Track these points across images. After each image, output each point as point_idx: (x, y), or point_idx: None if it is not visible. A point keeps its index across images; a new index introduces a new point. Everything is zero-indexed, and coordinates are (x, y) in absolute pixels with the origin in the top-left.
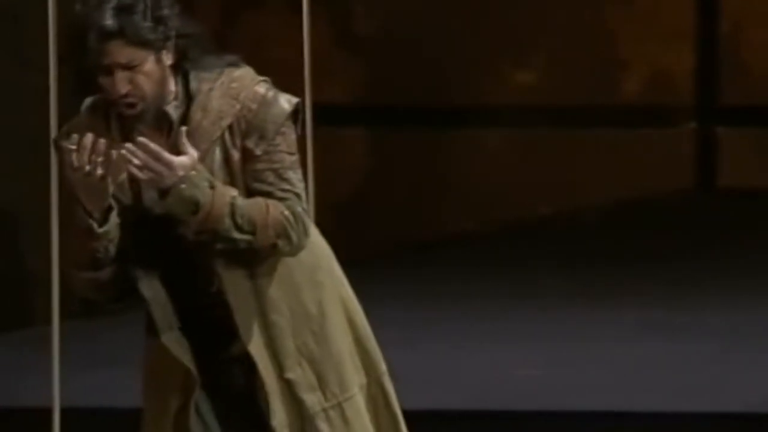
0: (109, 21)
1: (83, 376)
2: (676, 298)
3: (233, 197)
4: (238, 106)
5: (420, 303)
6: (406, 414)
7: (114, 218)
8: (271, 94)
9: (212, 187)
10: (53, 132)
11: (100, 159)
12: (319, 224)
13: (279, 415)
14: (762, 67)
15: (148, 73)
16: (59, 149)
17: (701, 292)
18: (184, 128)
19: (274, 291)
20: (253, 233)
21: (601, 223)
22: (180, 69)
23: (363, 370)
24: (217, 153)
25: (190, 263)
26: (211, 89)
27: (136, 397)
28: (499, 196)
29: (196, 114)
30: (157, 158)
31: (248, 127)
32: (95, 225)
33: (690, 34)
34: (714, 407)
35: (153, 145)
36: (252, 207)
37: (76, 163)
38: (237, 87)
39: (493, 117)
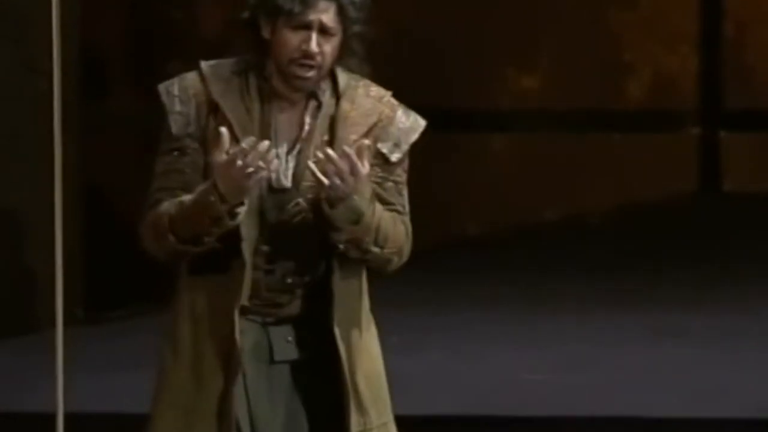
0: None
1: (87, 382)
2: (683, 302)
3: (381, 209)
4: (381, 108)
5: (426, 307)
6: (411, 420)
7: (243, 212)
8: (404, 108)
9: (371, 199)
10: (57, 136)
11: (262, 163)
12: None
13: (355, 417)
14: (766, 71)
15: (333, 46)
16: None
17: (708, 297)
18: (366, 142)
19: (359, 303)
20: (382, 247)
21: (605, 227)
22: (335, 62)
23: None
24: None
25: (291, 252)
26: (356, 87)
27: (140, 403)
28: (504, 200)
29: (344, 104)
30: (353, 171)
31: (385, 132)
32: (227, 217)
33: (694, 38)
34: (724, 412)
35: (354, 158)
36: (388, 220)
37: (241, 162)
38: (377, 92)
39: (498, 121)
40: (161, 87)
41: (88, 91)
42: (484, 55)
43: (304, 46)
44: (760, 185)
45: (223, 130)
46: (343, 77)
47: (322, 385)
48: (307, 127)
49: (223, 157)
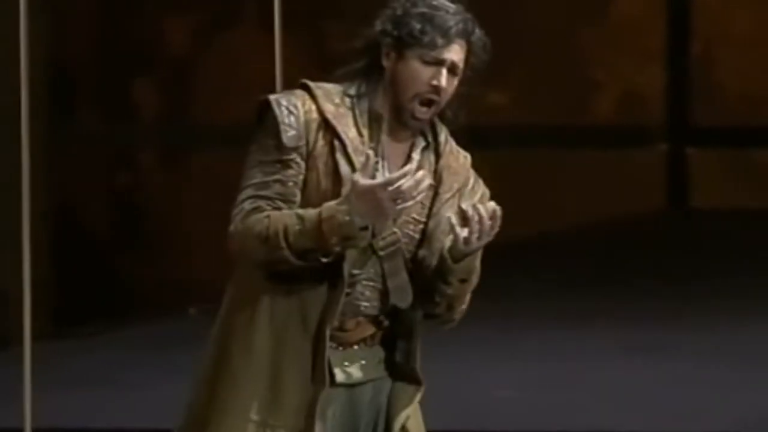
0: (470, 24)
1: (55, 397)
2: (652, 318)
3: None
4: (467, 164)
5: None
6: None
7: (369, 237)
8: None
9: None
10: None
11: (415, 192)
12: None
13: None
14: (732, 87)
15: (453, 86)
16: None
17: (677, 313)
18: (492, 204)
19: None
20: (460, 309)
21: (573, 243)
22: None
23: None
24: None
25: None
26: (448, 138)
27: (108, 418)
28: None
29: (446, 152)
30: (492, 231)
31: (462, 196)
32: (359, 238)
33: (661, 55)
34: (695, 428)
35: (498, 219)
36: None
37: (393, 189)
38: (459, 149)
39: (467, 137)
40: (272, 98)
41: (55, 109)
42: None
43: (434, 82)
44: (728, 201)
45: (370, 152)
46: (440, 126)
47: (374, 408)
48: (415, 163)
49: (368, 180)
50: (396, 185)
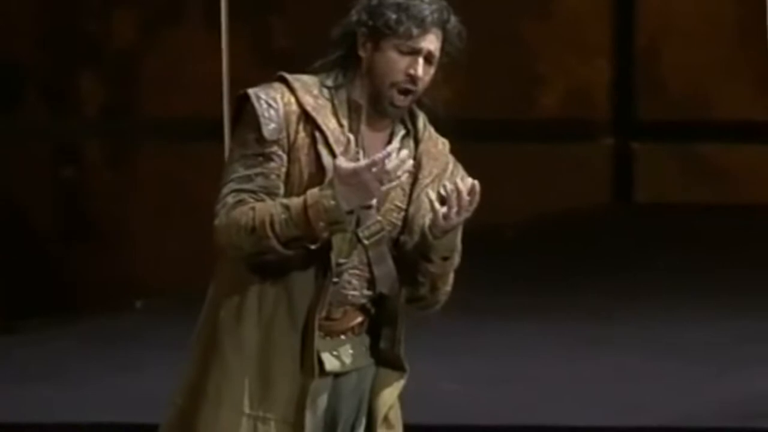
0: (445, 12)
1: (1, 392)
2: (599, 312)
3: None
4: (445, 151)
5: None
6: None
7: (354, 221)
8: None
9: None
10: None
11: (399, 172)
12: None
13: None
14: (677, 82)
15: (430, 74)
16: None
17: (624, 307)
18: (471, 180)
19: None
20: (444, 290)
21: (519, 237)
22: None
23: None
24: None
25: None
26: (426, 124)
27: (56, 412)
28: None
29: (425, 138)
30: (471, 207)
31: (441, 182)
32: (346, 222)
33: (606, 49)
34: (644, 422)
35: (477, 194)
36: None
37: (390, 169)
38: (438, 135)
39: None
40: (251, 92)
41: (0, 102)
42: None
43: (411, 71)
44: (673, 196)
45: (351, 136)
46: (419, 112)
47: (359, 395)
48: (396, 143)
49: (351, 163)
50: (380, 165)
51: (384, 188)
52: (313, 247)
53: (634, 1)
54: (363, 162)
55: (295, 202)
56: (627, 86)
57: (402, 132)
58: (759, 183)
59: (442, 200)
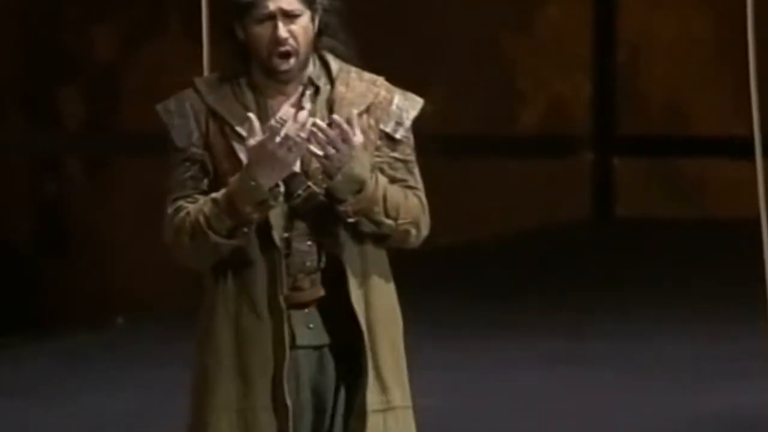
0: None
1: None
2: (577, 327)
3: (386, 180)
4: (376, 90)
5: None
6: None
7: (280, 194)
8: (399, 89)
9: (372, 169)
10: None
11: (302, 133)
12: None
13: (376, 395)
14: (657, 97)
15: (304, 27)
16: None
17: (602, 322)
18: (355, 111)
19: (376, 290)
20: (395, 218)
21: (499, 252)
22: (318, 45)
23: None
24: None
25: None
26: (348, 72)
27: (33, 429)
28: None
29: (340, 88)
30: (345, 138)
31: (385, 112)
32: (271, 198)
33: (586, 64)
34: None
35: (345, 125)
36: (396, 192)
37: (280, 137)
38: (370, 76)
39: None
40: (159, 107)
41: None
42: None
43: (275, 35)
44: (653, 210)
45: (251, 115)
46: (335, 63)
47: (349, 366)
48: (289, 105)
49: (256, 140)
50: (278, 132)
51: (295, 154)
52: (246, 230)
53: (614, 17)
54: (262, 136)
55: (220, 193)
56: (607, 101)
57: (310, 91)
58: (738, 198)
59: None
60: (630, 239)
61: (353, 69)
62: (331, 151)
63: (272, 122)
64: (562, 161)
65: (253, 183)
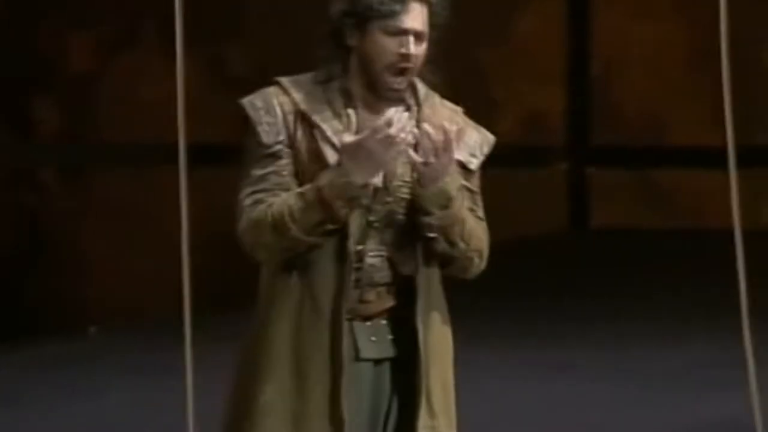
0: None
1: None
2: (554, 336)
3: (466, 206)
4: (457, 119)
5: None
6: None
7: (371, 192)
8: (473, 123)
9: (458, 188)
10: None
11: (405, 135)
12: (200, 265)
13: (425, 419)
14: (631, 108)
15: (423, 50)
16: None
17: (578, 331)
18: (455, 128)
19: (437, 314)
20: (467, 243)
21: None
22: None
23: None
24: None
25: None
26: (433, 97)
27: None
28: None
29: (426, 110)
30: (447, 149)
31: (462, 142)
32: (362, 195)
33: (561, 76)
34: None
35: (452, 134)
36: (471, 218)
37: (394, 133)
38: (452, 105)
39: None
40: (245, 101)
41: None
42: None
43: (402, 50)
44: (627, 220)
45: (351, 111)
46: (422, 86)
47: (402, 385)
48: (394, 110)
49: (354, 136)
50: (383, 131)
51: (393, 154)
52: (335, 227)
53: (588, 28)
54: (366, 132)
55: (308, 187)
56: (582, 112)
57: (402, 110)
58: (712, 208)
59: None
60: (605, 249)
61: (436, 95)
62: (433, 160)
63: (379, 122)
64: (537, 172)
65: (344, 179)
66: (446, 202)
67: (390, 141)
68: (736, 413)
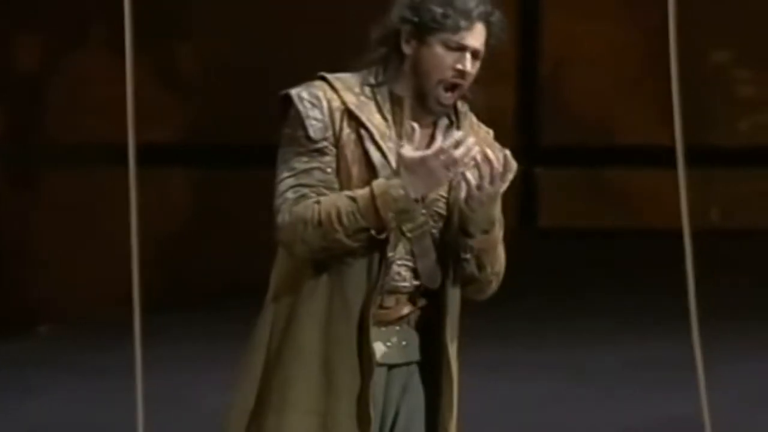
0: (489, 7)
1: None
2: (503, 336)
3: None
4: (489, 140)
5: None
6: None
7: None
8: (500, 146)
9: (500, 213)
10: None
11: (468, 159)
12: (148, 265)
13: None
14: (581, 108)
15: (476, 68)
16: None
17: (527, 332)
18: (507, 151)
19: (453, 332)
20: (492, 267)
21: None
22: None
23: None
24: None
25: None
26: (470, 115)
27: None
28: None
29: (465, 127)
30: (503, 177)
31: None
32: (415, 210)
33: (511, 75)
34: None
35: (511, 163)
36: (501, 243)
37: (458, 157)
38: (485, 127)
39: None
40: (293, 93)
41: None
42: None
43: (459, 66)
44: (577, 221)
45: (415, 125)
46: (461, 104)
47: (413, 393)
48: (437, 144)
49: (419, 152)
50: (448, 153)
51: (452, 175)
52: (381, 237)
53: (538, 29)
54: (431, 150)
55: (361, 193)
56: (531, 112)
57: (445, 124)
58: (662, 208)
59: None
60: (554, 249)
61: (473, 115)
62: (487, 185)
63: (445, 142)
64: None
65: (401, 191)
66: (489, 226)
67: (453, 162)
68: (685, 413)
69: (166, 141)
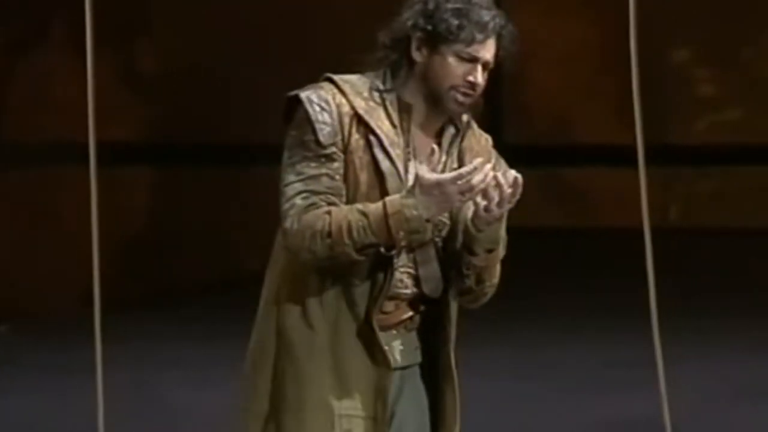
0: (503, 20)
1: None
2: (465, 336)
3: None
4: (489, 149)
5: (214, 342)
6: None
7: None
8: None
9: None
10: None
11: (485, 186)
12: (109, 264)
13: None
14: (542, 107)
15: (485, 79)
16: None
17: (487, 330)
18: (513, 172)
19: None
20: (491, 281)
21: None
22: None
23: None
24: None
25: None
26: (472, 124)
27: None
28: None
29: (468, 135)
30: (511, 200)
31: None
32: (425, 231)
33: None
34: None
35: (519, 187)
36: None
37: (475, 183)
38: (486, 135)
39: (279, 155)
40: (303, 96)
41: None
42: (265, 88)
43: (470, 78)
44: (537, 220)
45: (435, 147)
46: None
47: (408, 397)
48: (444, 155)
49: (436, 175)
50: (466, 179)
51: (465, 200)
52: (391, 254)
53: None
54: (449, 175)
55: (373, 209)
56: (492, 110)
57: (452, 131)
58: (620, 206)
59: (484, 193)
60: (513, 248)
61: (474, 123)
62: (495, 208)
63: (464, 169)
64: None
65: (415, 212)
66: (493, 246)
67: (470, 189)
68: (646, 412)
69: (128, 139)
